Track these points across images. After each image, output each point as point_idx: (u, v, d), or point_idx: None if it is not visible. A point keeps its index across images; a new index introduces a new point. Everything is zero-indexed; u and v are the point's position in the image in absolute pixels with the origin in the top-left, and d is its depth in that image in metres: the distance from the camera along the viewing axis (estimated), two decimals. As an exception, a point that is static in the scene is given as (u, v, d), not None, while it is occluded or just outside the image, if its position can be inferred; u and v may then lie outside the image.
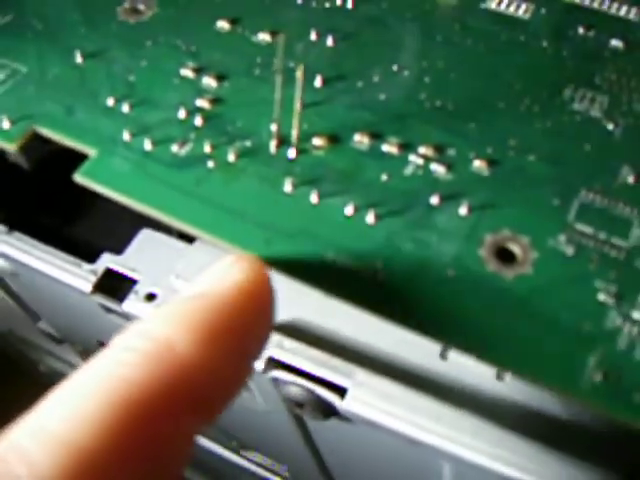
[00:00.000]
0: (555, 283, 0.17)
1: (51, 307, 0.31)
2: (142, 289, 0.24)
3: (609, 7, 0.24)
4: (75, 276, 0.25)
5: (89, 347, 0.33)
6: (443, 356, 0.21)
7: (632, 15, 0.24)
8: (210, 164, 0.20)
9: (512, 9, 0.24)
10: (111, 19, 0.24)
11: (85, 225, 0.28)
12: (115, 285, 0.25)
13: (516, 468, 0.20)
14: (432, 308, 0.17)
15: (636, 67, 0.22)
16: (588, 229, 0.18)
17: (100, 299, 0.25)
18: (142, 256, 0.25)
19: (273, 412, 0.25)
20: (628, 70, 0.22)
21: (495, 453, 0.20)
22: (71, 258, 0.25)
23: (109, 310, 0.25)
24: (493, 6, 0.24)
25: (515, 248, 0.18)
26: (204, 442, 0.37)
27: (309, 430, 0.26)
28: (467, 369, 0.21)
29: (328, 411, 0.22)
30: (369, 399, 0.21)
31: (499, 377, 0.21)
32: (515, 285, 0.17)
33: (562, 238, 0.18)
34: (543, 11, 0.24)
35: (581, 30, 0.23)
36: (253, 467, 0.36)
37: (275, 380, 0.22)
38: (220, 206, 0.19)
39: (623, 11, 0.24)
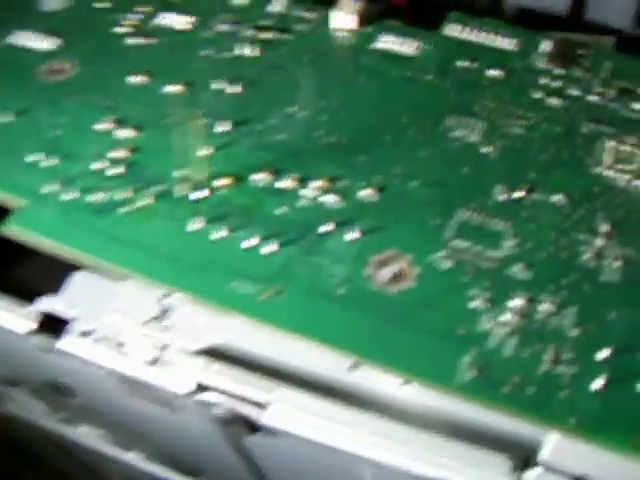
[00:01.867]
0: (433, 295, 0.20)
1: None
2: (77, 327, 0.27)
3: (493, 39, 0.27)
4: (14, 318, 0.27)
5: (40, 387, 0.35)
6: (353, 368, 0.24)
7: (512, 46, 0.27)
8: (125, 209, 0.22)
9: (401, 47, 0.27)
10: (34, 80, 0.27)
11: (22, 271, 0.30)
12: (52, 325, 0.27)
13: (423, 462, 0.22)
14: (327, 323, 0.20)
15: (513, 93, 0.25)
16: (465, 244, 0.21)
17: (36, 340, 0.27)
18: (77, 296, 0.27)
19: (204, 432, 0.28)
20: (505, 97, 0.25)
21: (405, 451, 0.23)
22: (9, 300, 0.28)
23: (47, 350, 0.27)
24: (383, 46, 0.27)
25: (398, 265, 0.21)
26: (157, 470, 0.39)
27: (247, 448, 0.29)
28: (375, 379, 0.24)
29: (252, 427, 0.25)
30: (288, 412, 0.24)
31: (407, 382, 0.24)
32: (398, 298, 0.20)
33: (441, 254, 0.21)
34: (430, 47, 0.27)
35: (464, 63, 0.26)
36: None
37: (203, 403, 0.25)
38: (136, 245, 0.22)
39: (504, 43, 0.27)
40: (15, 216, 0.23)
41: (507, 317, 0.20)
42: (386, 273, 0.21)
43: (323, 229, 0.22)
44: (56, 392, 0.34)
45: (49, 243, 0.22)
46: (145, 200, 0.22)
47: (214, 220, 0.22)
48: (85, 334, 0.27)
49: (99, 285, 0.28)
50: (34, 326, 0.27)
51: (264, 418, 0.24)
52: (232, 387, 0.24)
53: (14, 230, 0.22)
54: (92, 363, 0.24)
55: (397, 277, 0.21)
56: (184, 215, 0.22)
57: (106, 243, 0.22)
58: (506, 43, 0.27)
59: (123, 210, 0.22)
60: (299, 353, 0.24)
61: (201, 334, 0.25)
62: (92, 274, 0.28)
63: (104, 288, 0.28)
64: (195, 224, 0.22)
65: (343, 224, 0.22)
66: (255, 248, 0.21)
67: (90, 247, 0.22)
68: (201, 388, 0.25)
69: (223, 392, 0.25)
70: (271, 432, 0.25)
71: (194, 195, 0.23)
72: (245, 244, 0.21)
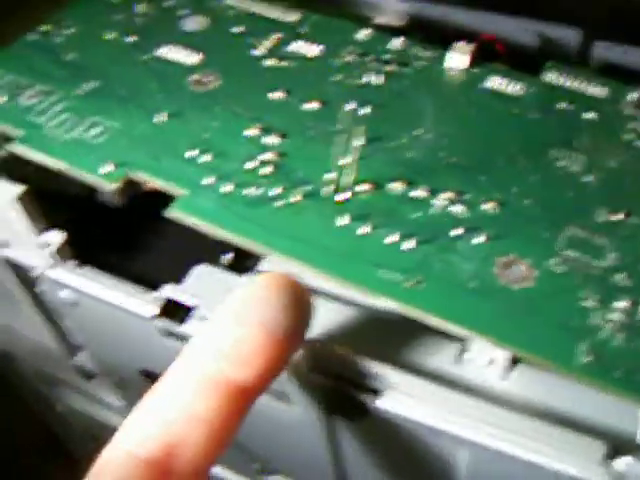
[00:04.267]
0: (550, 293, 0.25)
1: (101, 337, 0.37)
2: (199, 313, 0.30)
3: (586, 87, 0.32)
4: (140, 302, 0.31)
5: (128, 377, 0.39)
6: (458, 359, 0.28)
7: (603, 93, 0.32)
8: (277, 203, 0.27)
9: (509, 88, 0.32)
10: (182, 88, 0.31)
11: (145, 261, 0.34)
12: (175, 311, 0.31)
13: (517, 445, 0.26)
14: (458, 311, 0.24)
15: (606, 133, 0.30)
16: (574, 254, 0.26)
17: (163, 323, 0.31)
18: (198, 286, 0.31)
19: (306, 421, 0.31)
20: (599, 136, 0.30)
21: (507, 437, 0.26)
22: (136, 287, 0.31)
23: (169, 334, 0.31)
24: (493, 85, 0.32)
25: (520, 268, 0.25)
26: (222, 473, 0.42)
27: (337, 439, 0.32)
28: (478, 370, 0.28)
29: (361, 411, 0.28)
30: (399, 397, 0.27)
31: (504, 378, 0.27)
32: (521, 294, 0.24)
33: (555, 261, 0.25)
34: (532, 90, 0.32)
35: (563, 105, 0.31)
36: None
37: (312, 382, 0.29)
38: (288, 235, 0.26)
39: (596, 90, 0.32)
40: (178, 202, 0.27)
41: (614, 316, 0.24)
42: (509, 273, 0.25)
43: (453, 233, 0.26)
44: (146, 381, 0.37)
45: (208, 227, 0.26)
46: (295, 197, 0.27)
47: (358, 219, 0.26)
48: (205, 319, 0.30)
49: (220, 276, 0.32)
50: (157, 311, 0.31)
51: (377, 402, 0.28)
52: (344, 372, 0.28)
53: (178, 214, 0.26)
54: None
55: (519, 277, 0.25)
56: (330, 213, 0.26)
57: (260, 230, 0.26)
58: (598, 91, 0.32)
59: (276, 204, 0.26)
60: (412, 341, 0.28)
61: (318, 322, 0.29)
62: (210, 267, 0.32)
63: (225, 279, 0.31)
64: (342, 221, 0.26)
65: (470, 230, 0.26)
66: (395, 244, 0.25)
67: (246, 233, 0.26)
68: (313, 371, 0.29)
69: (336, 376, 0.28)
70: (379, 418, 0.28)
71: (339, 197, 0.27)
72: (387, 240, 0.25)
